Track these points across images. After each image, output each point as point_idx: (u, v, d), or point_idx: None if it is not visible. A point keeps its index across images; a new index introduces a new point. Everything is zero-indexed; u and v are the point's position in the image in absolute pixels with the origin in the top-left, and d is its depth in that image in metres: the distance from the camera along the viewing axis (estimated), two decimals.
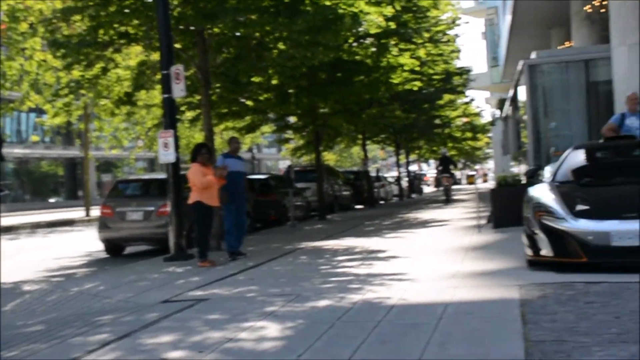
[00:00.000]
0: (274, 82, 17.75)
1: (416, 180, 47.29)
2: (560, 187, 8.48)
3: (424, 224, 16.68)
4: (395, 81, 18.82)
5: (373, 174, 35.05)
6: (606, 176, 8.91)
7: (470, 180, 53.26)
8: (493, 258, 9.29)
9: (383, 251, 10.97)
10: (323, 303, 6.76)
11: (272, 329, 5.75)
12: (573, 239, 7.52)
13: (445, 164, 27.44)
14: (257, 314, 6.40)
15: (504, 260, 8.92)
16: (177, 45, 13.50)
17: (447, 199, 27.52)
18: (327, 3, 12.45)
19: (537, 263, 7.96)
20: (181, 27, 13.20)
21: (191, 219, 11.34)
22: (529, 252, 8.02)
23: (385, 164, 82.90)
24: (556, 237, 7.67)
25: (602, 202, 7.93)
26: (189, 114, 19.85)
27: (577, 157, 9.56)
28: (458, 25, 28.40)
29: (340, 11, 12.39)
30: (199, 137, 27.30)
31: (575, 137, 18.86)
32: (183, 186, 11.51)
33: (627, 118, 11.35)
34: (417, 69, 19.17)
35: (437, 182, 56.92)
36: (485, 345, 4.88)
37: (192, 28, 13.31)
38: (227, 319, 6.29)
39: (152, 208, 14.09)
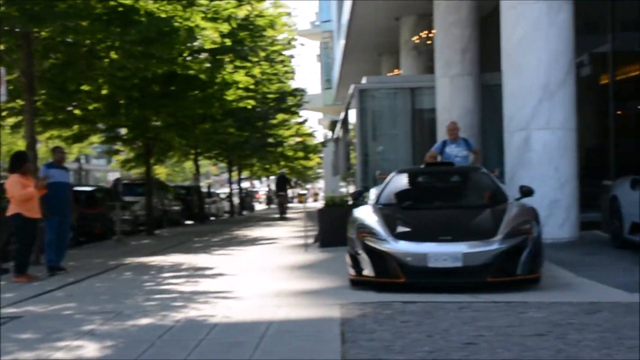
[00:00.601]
0: (104, 91, 17.23)
1: (248, 197, 47.42)
2: (382, 209, 8.78)
3: (253, 241, 16.71)
4: (229, 98, 18.83)
5: (205, 189, 34.76)
6: (425, 200, 9.36)
7: (301, 199, 54.07)
8: (317, 277, 9.46)
9: (210, 268, 10.89)
10: (145, 321, 6.60)
11: (90, 349, 5.53)
12: (393, 260, 7.79)
13: (282, 183, 28.32)
14: (74, 332, 6.14)
15: (327, 279, 9.10)
16: (0, 47, 12.79)
17: (282, 216, 28.30)
18: (162, 15, 12.27)
19: (359, 282, 8.17)
20: (6, 27, 12.51)
21: (9, 231, 10.72)
22: (352, 271, 8.20)
23: (218, 180, 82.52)
24: (377, 257, 7.90)
25: (421, 225, 8.28)
26: (11, 120, 18.83)
27: (400, 181, 9.95)
28: (294, 46, 28.89)
29: (176, 24, 12.25)
30: (21, 144, 25.94)
31: (400, 161, 19.65)
32: (1, 196, 10.86)
33: (447, 146, 12.06)
34: (252, 87, 19.30)
35: (269, 200, 57.38)
36: None
37: (17, 30, 12.66)
38: (40, 338, 5.98)
39: None
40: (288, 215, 30.16)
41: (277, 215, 29.36)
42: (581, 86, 14.81)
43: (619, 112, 16.30)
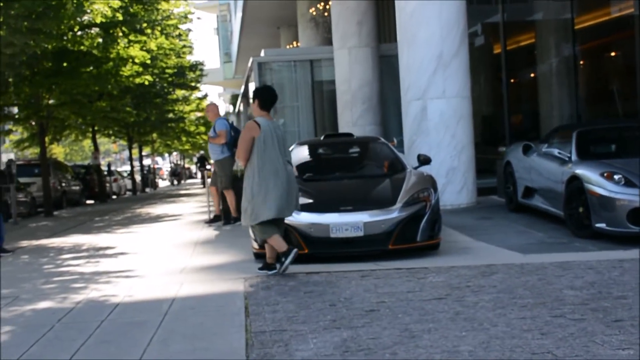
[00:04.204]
0: None
1: (150, 175, 46.64)
2: None
3: (155, 219, 16.47)
4: (125, 74, 18.38)
5: (105, 168, 33.96)
6: (326, 171, 9.43)
7: (209, 174, 53.73)
8: (222, 252, 9.42)
9: (112, 248, 10.68)
10: (43, 305, 6.43)
11: None
12: (296, 232, 7.84)
13: (202, 161, 29.23)
14: None
15: (232, 253, 9.08)
16: None
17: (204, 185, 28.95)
18: None
19: (263, 255, 8.15)
20: None
21: None
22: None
23: (119, 158, 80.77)
24: None
25: (322, 196, 8.35)
26: None
27: (300, 153, 9.99)
28: (190, 20, 28.42)
29: None
30: None
31: (303, 133, 19.73)
32: None
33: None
34: (148, 62, 18.89)
35: (173, 177, 56.60)
36: (208, 340, 4.94)
37: None
38: None
39: None
40: (199, 191, 30.07)
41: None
42: (475, 56, 15.21)
43: (512, 81, 16.82)
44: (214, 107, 12.81)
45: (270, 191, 7.14)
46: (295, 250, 7.25)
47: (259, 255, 8.22)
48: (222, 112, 50.77)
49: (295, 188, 7.43)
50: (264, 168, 7.16)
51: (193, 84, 33.92)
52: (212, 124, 12.36)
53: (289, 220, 7.82)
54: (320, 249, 7.87)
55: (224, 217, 12.69)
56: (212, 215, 13.30)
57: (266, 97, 7.46)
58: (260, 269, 7.46)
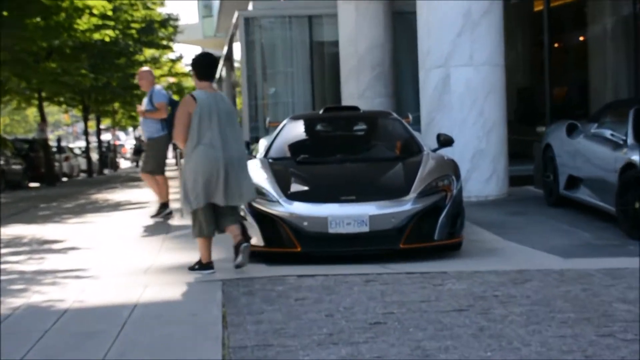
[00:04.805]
0: None
1: (110, 153, 46.64)
2: (273, 165, 8.81)
3: (116, 206, 16.50)
4: (81, 27, 18.33)
5: (54, 143, 33.95)
6: (325, 152, 9.42)
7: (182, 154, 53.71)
8: (196, 248, 9.36)
9: (60, 241, 10.68)
10: None
11: None
12: (287, 225, 7.85)
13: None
14: None
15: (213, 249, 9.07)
16: None
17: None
18: None
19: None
20: None
21: None
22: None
23: (72, 131, 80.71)
24: (268, 223, 7.96)
25: (320, 182, 8.37)
26: None
27: (295, 130, 9.99)
28: None
29: None
30: None
31: (298, 106, 19.75)
32: None
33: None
34: (110, 13, 18.84)
35: (137, 154, 56.57)
36: (177, 355, 4.95)
37: None
38: None
39: None
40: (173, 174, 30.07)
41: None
42: (511, 14, 15.20)
43: (555, 45, 16.81)
44: (147, 73, 12.75)
45: (198, 177, 7.36)
46: (211, 271, 7.50)
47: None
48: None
49: (244, 176, 7.59)
50: (197, 148, 7.41)
51: (165, 43, 33.86)
52: (146, 94, 12.36)
53: (278, 210, 7.83)
54: (315, 247, 7.87)
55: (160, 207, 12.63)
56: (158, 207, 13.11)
57: (204, 65, 7.72)
58: (190, 268, 7.69)
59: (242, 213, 8.12)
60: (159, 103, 12.05)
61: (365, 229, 7.74)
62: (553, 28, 16.23)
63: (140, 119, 12.55)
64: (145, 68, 13.26)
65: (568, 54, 17.95)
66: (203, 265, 7.58)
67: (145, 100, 12.40)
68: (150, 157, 12.39)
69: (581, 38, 17.15)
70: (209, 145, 7.38)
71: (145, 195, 19.60)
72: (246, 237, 7.63)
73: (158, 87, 12.49)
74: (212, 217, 7.54)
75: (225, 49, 32.33)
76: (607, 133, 9.55)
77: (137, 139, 66.18)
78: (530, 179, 13.18)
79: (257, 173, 8.46)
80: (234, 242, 7.51)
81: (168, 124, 11.96)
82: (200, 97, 7.46)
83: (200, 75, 7.65)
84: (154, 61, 36.04)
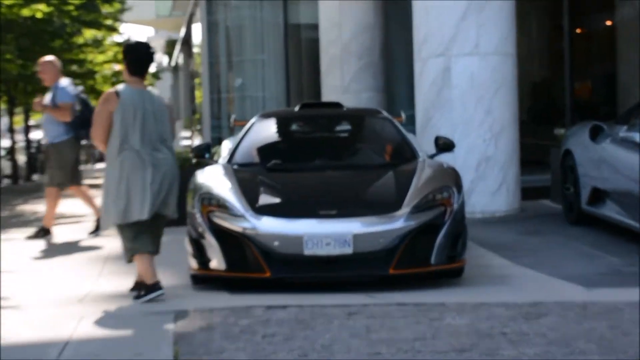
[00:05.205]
0: None
1: (41, 155, 46.41)
2: (239, 172, 8.79)
3: None
4: (6, 2, 18.21)
5: None
6: (301, 157, 9.41)
7: None
8: None
9: None
10: None
11: None
12: (254, 245, 7.81)
13: None
14: None
15: (159, 274, 9.01)
16: None
17: None
18: None
19: (204, 279, 8.16)
20: None
21: None
22: (194, 263, 8.18)
23: None
24: (231, 242, 7.91)
25: (294, 193, 8.37)
26: None
27: (265, 130, 9.98)
28: None
29: None
30: None
31: (269, 101, 19.72)
32: None
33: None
34: None
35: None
36: None
37: None
38: None
39: None
40: None
41: None
42: None
43: (578, 31, 16.89)
44: (50, 64, 12.53)
45: (121, 186, 7.45)
46: (160, 292, 7.55)
47: (199, 279, 8.19)
48: (153, 66, 50.96)
49: (172, 184, 7.72)
50: (121, 154, 7.49)
51: (110, 23, 33.73)
52: (49, 89, 12.24)
53: (244, 227, 7.80)
54: (288, 271, 7.85)
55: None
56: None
57: (137, 56, 7.79)
58: (136, 297, 7.69)
59: (199, 229, 8.09)
60: (63, 103, 11.92)
61: (348, 250, 7.71)
62: (574, 10, 16.30)
63: (43, 116, 12.36)
64: (48, 58, 12.90)
65: (592, 42, 18.05)
66: (149, 288, 7.55)
67: (47, 97, 12.23)
68: (56, 168, 12.21)
69: (608, 22, 17.24)
70: (133, 150, 7.47)
71: (81, 207, 19.51)
72: (154, 287, 7.59)
73: (64, 82, 12.32)
74: (144, 226, 7.56)
75: (183, 31, 32.32)
76: (638, 137, 9.58)
77: None
78: (547, 192, 13.22)
79: (219, 182, 8.43)
80: (137, 279, 7.71)
81: (75, 125, 11.88)
82: (125, 93, 7.52)
83: (131, 69, 7.71)
84: (97, 44, 35.88)
